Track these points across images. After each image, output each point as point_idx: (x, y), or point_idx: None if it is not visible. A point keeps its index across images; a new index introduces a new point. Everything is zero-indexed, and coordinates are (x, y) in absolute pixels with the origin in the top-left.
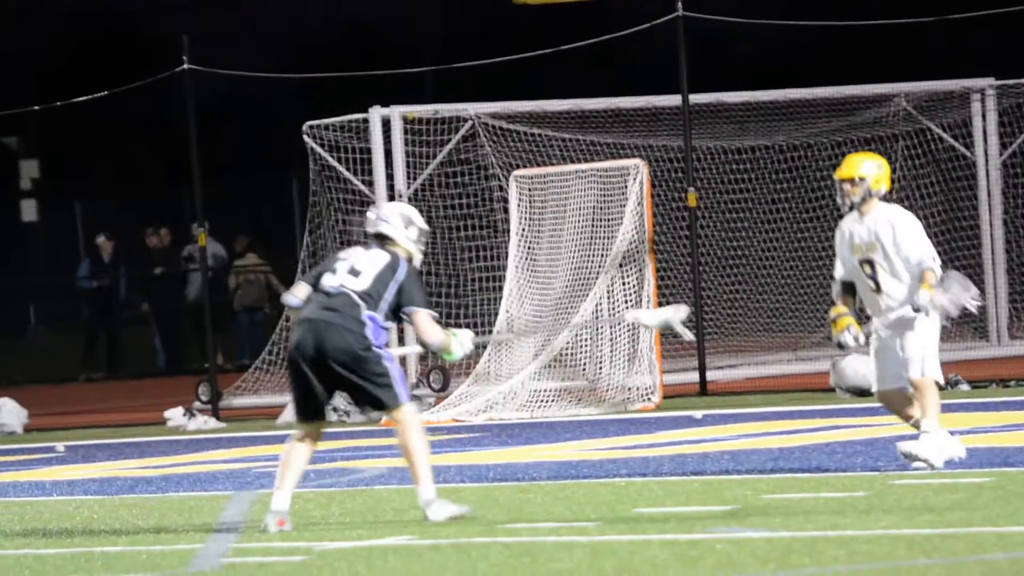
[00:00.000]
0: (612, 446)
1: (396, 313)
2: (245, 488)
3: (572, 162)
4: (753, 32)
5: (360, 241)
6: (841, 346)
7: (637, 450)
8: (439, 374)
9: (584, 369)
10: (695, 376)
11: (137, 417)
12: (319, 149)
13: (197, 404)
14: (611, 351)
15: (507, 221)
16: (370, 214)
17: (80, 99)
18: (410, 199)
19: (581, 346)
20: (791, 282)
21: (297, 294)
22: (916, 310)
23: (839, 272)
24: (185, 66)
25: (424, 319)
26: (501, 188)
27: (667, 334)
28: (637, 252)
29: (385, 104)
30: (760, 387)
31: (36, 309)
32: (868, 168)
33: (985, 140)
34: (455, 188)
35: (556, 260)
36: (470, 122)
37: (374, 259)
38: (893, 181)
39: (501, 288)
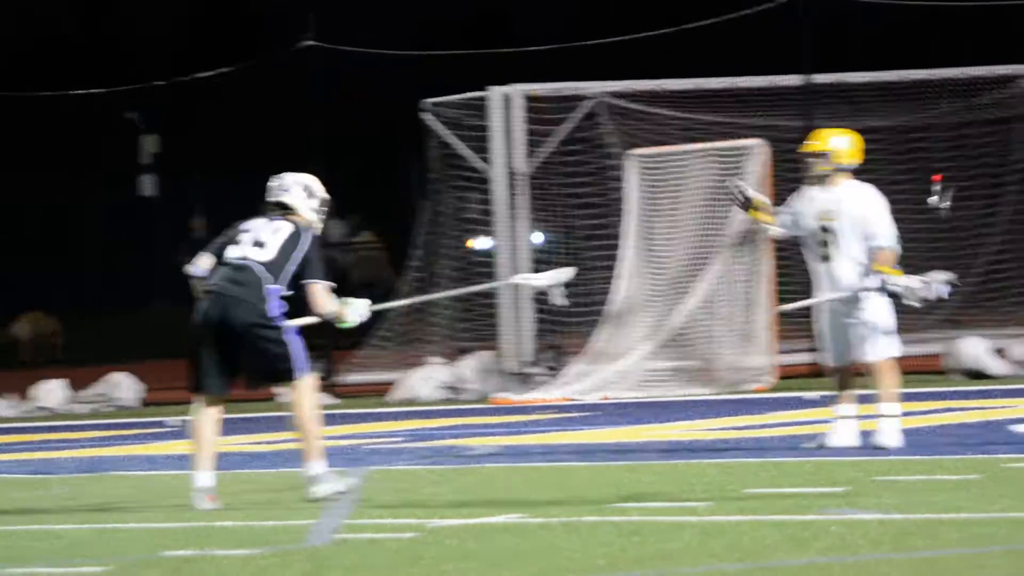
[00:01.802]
0: (724, 426)
1: (296, 283)
2: (357, 464)
3: (691, 141)
4: (875, 12)
5: (268, 211)
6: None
7: (749, 431)
8: (553, 353)
9: (698, 349)
10: (810, 357)
11: (250, 393)
12: (438, 127)
13: None
14: (726, 330)
15: (625, 200)
16: (271, 184)
17: (203, 75)
18: (530, 178)
19: (696, 326)
20: (907, 264)
21: (200, 264)
22: (882, 289)
23: (779, 221)
24: (310, 43)
25: (320, 291)
26: (620, 167)
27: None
28: (754, 232)
29: (504, 83)
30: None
31: (154, 284)
32: (835, 142)
33: None
34: (574, 167)
35: (673, 239)
36: (590, 101)
37: (278, 230)
38: (1015, 164)
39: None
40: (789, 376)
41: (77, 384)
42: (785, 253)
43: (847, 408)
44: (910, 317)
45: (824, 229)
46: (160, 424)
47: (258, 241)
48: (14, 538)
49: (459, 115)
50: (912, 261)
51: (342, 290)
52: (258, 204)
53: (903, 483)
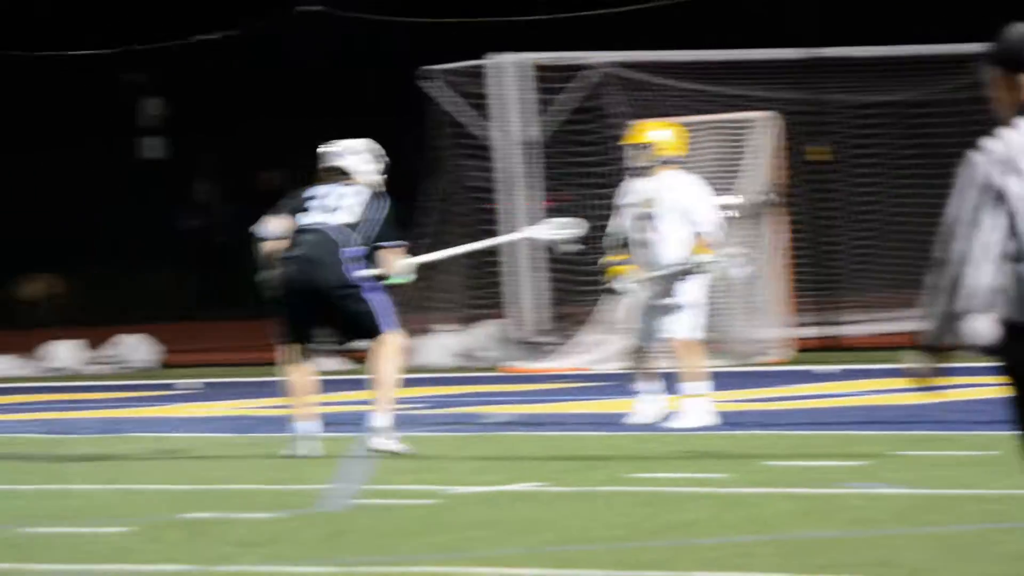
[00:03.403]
0: (740, 398)
1: (372, 244)
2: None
3: (696, 113)
4: None
5: (324, 178)
6: (615, 292)
7: (767, 403)
8: (566, 322)
9: (712, 320)
10: (827, 330)
11: (262, 356)
12: (437, 94)
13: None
14: (742, 303)
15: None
16: (327, 150)
17: (205, 37)
18: (533, 145)
19: (711, 298)
20: (925, 237)
21: (269, 227)
22: (695, 270)
23: (611, 225)
24: (311, 7)
25: (395, 252)
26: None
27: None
28: (768, 205)
29: (502, 50)
30: (893, 343)
31: (160, 246)
32: (655, 135)
33: None
34: (577, 135)
35: None
36: (592, 70)
37: (346, 195)
38: None
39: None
40: (805, 349)
41: (92, 344)
42: (802, 228)
43: (649, 385)
44: None
45: (644, 217)
46: (182, 386)
47: (330, 206)
48: (34, 498)
49: (461, 82)
50: (926, 240)
51: None
52: (259, 166)
53: (925, 457)
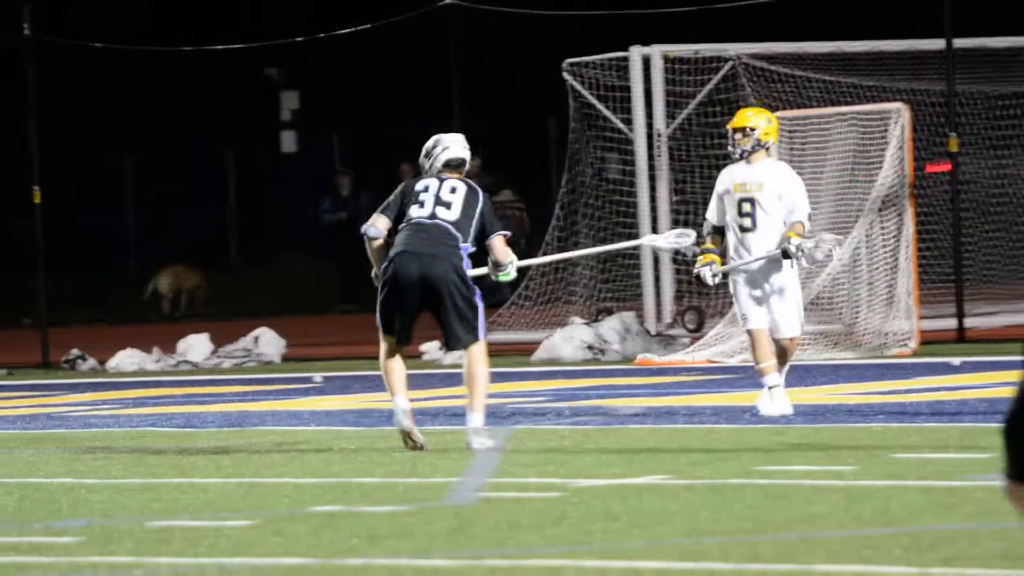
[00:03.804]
0: (868, 391)
1: (478, 240)
2: (500, 423)
3: (832, 104)
4: None
5: (431, 174)
6: (699, 279)
7: (893, 395)
8: (694, 314)
9: (841, 313)
10: (953, 323)
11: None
12: (579, 87)
13: None
14: (869, 295)
15: None
16: (432, 145)
17: (343, 31)
18: (669, 138)
19: (839, 290)
20: None
21: (377, 225)
22: (785, 256)
23: (712, 214)
24: (448, 1)
25: (503, 242)
26: None
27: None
28: (897, 197)
29: (646, 43)
30: (1019, 335)
31: (294, 239)
32: (758, 120)
33: None
34: (714, 128)
35: (815, 203)
36: (731, 62)
37: (455, 189)
38: None
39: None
40: (931, 341)
41: (220, 339)
42: (928, 219)
43: (779, 378)
44: None
45: (747, 200)
46: (308, 380)
47: (442, 201)
48: (160, 491)
49: (599, 75)
50: None
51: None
52: (396, 161)
53: None
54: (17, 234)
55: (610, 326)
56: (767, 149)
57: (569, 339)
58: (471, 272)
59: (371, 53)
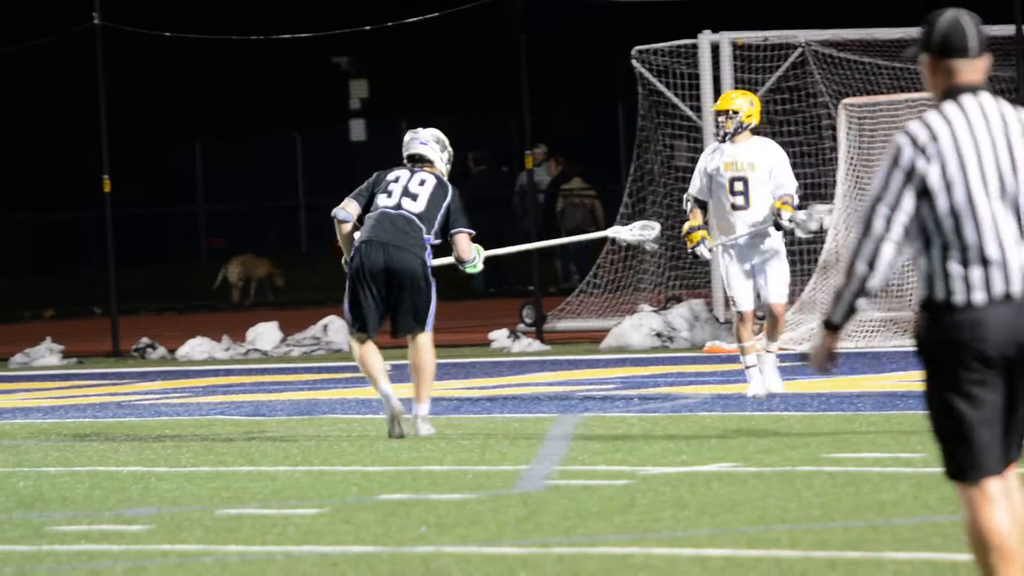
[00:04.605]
0: None
1: (442, 234)
2: (569, 411)
3: (903, 91)
4: None
5: (400, 164)
6: (696, 257)
7: None
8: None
9: (911, 300)
10: None
11: (461, 338)
12: (648, 74)
13: (521, 326)
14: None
15: (835, 149)
16: (409, 137)
17: (412, 20)
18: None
19: (908, 276)
20: None
21: (347, 208)
22: (779, 229)
23: (695, 188)
24: None
25: (467, 239)
26: (830, 116)
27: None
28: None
29: (715, 30)
30: None
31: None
32: (740, 103)
33: None
34: (783, 115)
35: None
36: (799, 49)
37: (424, 182)
38: None
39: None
40: None
41: (288, 327)
42: None
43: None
44: None
45: (738, 179)
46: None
47: (409, 192)
48: (229, 479)
49: (667, 62)
50: None
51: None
52: (464, 149)
53: None
54: (87, 223)
55: (679, 313)
56: (750, 130)
57: (638, 327)
58: (434, 262)
59: (440, 41)
